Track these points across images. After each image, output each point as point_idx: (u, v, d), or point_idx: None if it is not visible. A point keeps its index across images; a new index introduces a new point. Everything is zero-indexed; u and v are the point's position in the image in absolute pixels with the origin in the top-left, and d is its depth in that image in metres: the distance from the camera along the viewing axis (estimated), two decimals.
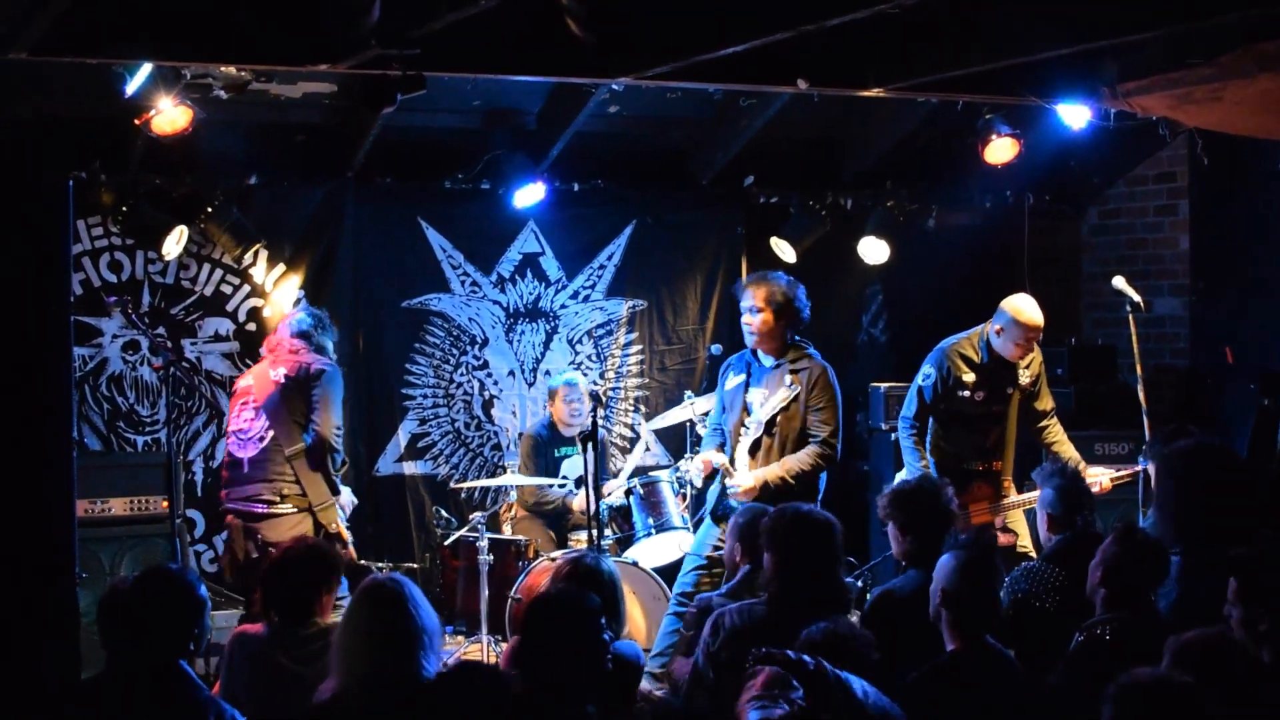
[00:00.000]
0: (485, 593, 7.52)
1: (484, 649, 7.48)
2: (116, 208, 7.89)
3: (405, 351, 8.83)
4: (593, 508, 6.81)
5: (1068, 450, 7.26)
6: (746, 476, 6.71)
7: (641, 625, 7.41)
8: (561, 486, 8.39)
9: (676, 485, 8.06)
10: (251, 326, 8.41)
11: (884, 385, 9.04)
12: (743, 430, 6.88)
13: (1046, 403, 7.41)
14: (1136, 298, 7.64)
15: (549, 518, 8.41)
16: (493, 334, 9.05)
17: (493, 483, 8.49)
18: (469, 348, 9.00)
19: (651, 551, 7.86)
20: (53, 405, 4.55)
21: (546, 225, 9.08)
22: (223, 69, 6.81)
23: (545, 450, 8.48)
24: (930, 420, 7.28)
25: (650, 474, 8.32)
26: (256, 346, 8.35)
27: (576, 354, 9.23)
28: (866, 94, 7.15)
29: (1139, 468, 7.08)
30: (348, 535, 7.08)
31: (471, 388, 9.03)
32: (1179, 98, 6.70)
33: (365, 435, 8.64)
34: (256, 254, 8.29)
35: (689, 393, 8.66)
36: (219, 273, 8.33)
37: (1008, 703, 4.43)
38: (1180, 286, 9.57)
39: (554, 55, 6.45)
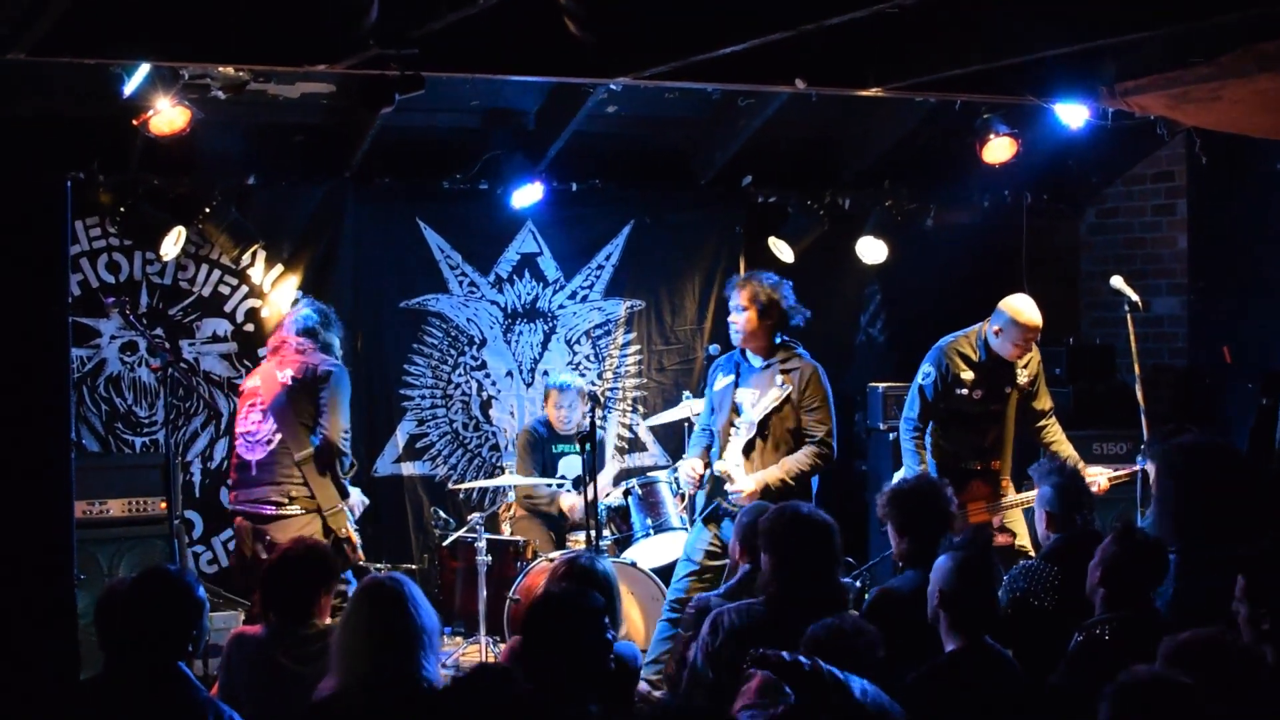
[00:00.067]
0: (483, 593, 7.52)
1: (482, 649, 7.48)
2: (114, 208, 7.88)
3: (403, 352, 8.82)
4: (588, 508, 6.81)
5: (1066, 449, 7.27)
6: (747, 480, 6.72)
7: (640, 626, 7.41)
8: (559, 485, 8.40)
9: (675, 486, 8.06)
10: (250, 327, 8.41)
11: (882, 385, 9.04)
12: (732, 430, 6.90)
13: (1045, 402, 7.41)
14: (1135, 297, 7.64)
15: (548, 518, 8.41)
16: (491, 334, 9.05)
17: (491, 483, 8.48)
18: (467, 348, 8.99)
19: (650, 552, 7.86)
20: (51, 406, 4.56)
21: (545, 225, 9.07)
22: (221, 69, 6.80)
23: (542, 447, 8.47)
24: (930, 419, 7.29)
25: (648, 475, 8.32)
26: (255, 347, 8.37)
27: (574, 354, 9.23)
28: (865, 94, 7.16)
29: (1137, 467, 7.08)
30: (357, 539, 7.07)
31: (470, 388, 9.02)
32: (1177, 97, 6.70)
33: (363, 436, 8.62)
34: (255, 254, 8.28)
35: (687, 393, 8.67)
36: (217, 273, 8.32)
37: (1007, 703, 4.43)
38: (1179, 286, 9.56)
39: (552, 55, 6.45)
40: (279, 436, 6.96)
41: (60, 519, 4.54)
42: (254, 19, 5.90)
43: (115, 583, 4.99)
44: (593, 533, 6.89)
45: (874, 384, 9.13)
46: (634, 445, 9.39)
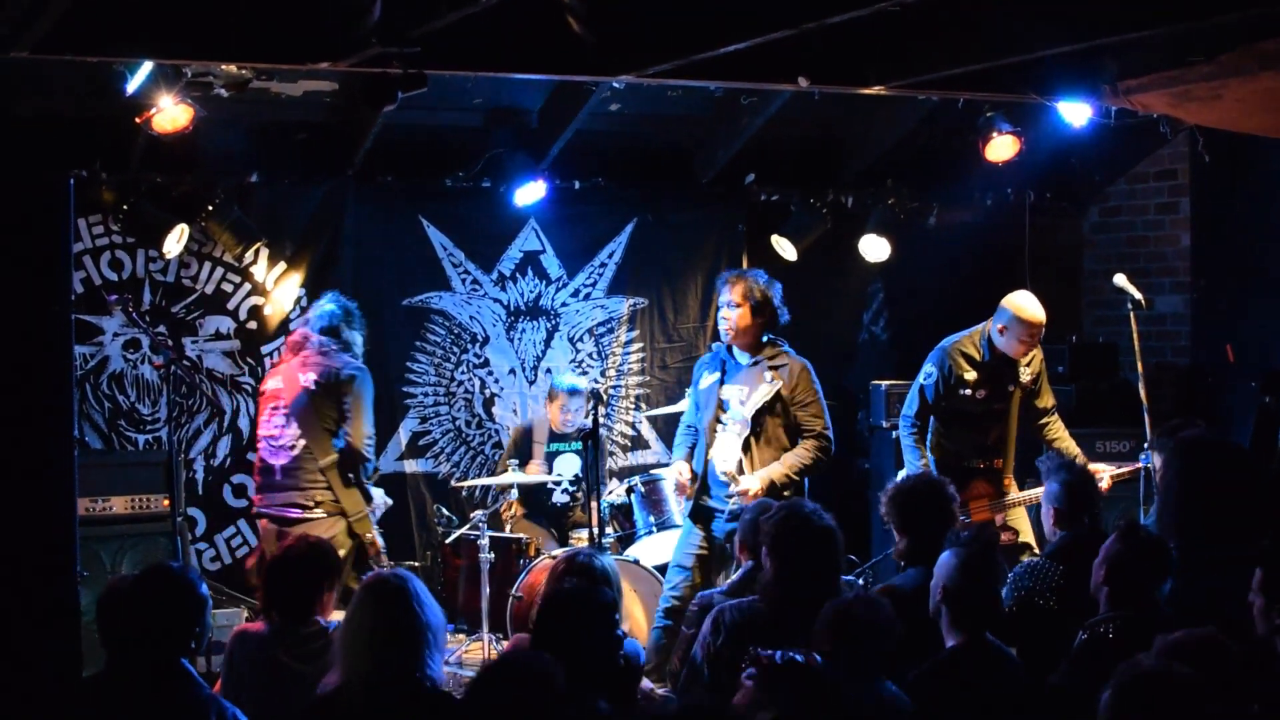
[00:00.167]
0: (486, 591, 7.53)
1: (485, 647, 7.48)
2: (117, 206, 7.89)
3: (406, 350, 8.82)
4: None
5: (1070, 446, 7.27)
6: (752, 479, 6.72)
7: (643, 623, 7.41)
8: (556, 484, 8.41)
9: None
10: (252, 325, 8.41)
11: (885, 383, 9.03)
12: (719, 426, 6.91)
13: (1048, 400, 7.41)
14: (1138, 295, 7.63)
15: (549, 516, 8.42)
16: (493, 332, 9.05)
17: (494, 481, 8.48)
18: (470, 346, 9.00)
19: (653, 549, 7.86)
20: (53, 405, 4.56)
21: (547, 223, 9.07)
22: (224, 67, 6.81)
23: (536, 445, 8.47)
24: (931, 418, 7.29)
25: (651, 472, 8.32)
26: (257, 344, 8.38)
27: (577, 352, 9.23)
28: (867, 92, 7.15)
29: (1140, 465, 7.09)
30: (381, 543, 7.08)
31: (472, 386, 9.03)
32: (1180, 95, 6.69)
33: None
34: (257, 252, 8.29)
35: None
36: (220, 271, 8.33)
37: (1008, 699, 4.44)
38: (1181, 284, 9.56)
39: (555, 53, 6.44)
40: (302, 442, 6.95)
41: (61, 519, 4.55)
42: (256, 17, 5.90)
43: (118, 580, 4.98)
44: (595, 530, 6.88)
45: (877, 382, 9.12)
46: (636, 443, 9.39)
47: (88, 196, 7.83)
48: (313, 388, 6.96)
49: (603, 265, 9.26)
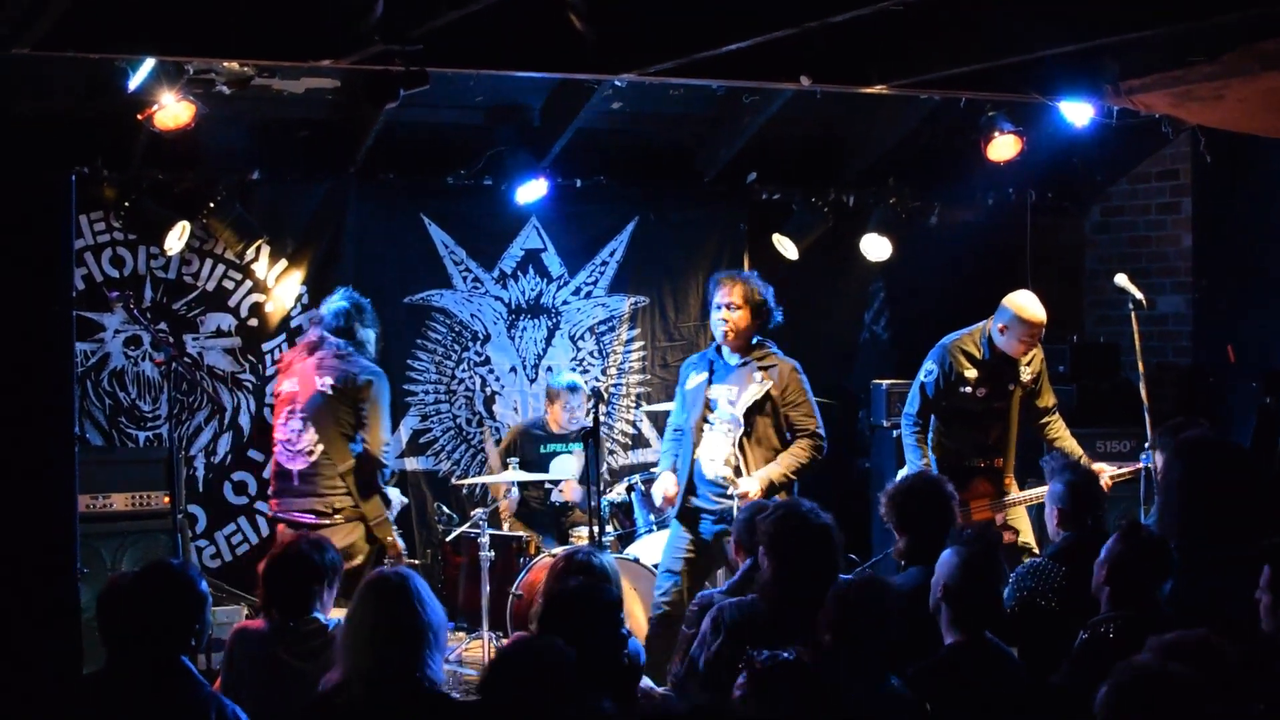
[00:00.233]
0: (486, 589, 7.53)
1: (485, 645, 7.48)
2: (119, 203, 7.88)
3: (407, 347, 8.82)
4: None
5: (1071, 446, 7.28)
6: (751, 481, 6.71)
7: (643, 621, 7.39)
8: (553, 483, 8.41)
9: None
10: (253, 322, 8.41)
11: (886, 382, 9.03)
12: (705, 426, 6.91)
13: (1048, 399, 7.41)
14: (1139, 295, 7.62)
15: (546, 515, 8.42)
16: (495, 330, 9.05)
17: (494, 479, 8.48)
18: (471, 344, 9.00)
19: (653, 548, 7.85)
20: (54, 404, 4.56)
21: (549, 221, 9.07)
22: (226, 64, 6.81)
23: (533, 446, 8.47)
24: (932, 417, 7.29)
25: (651, 470, 8.31)
26: (258, 342, 8.38)
27: (578, 350, 9.23)
28: (869, 91, 7.15)
29: (1141, 465, 7.09)
30: (401, 546, 7.08)
31: (473, 384, 9.03)
32: (1181, 95, 6.69)
33: None
34: (259, 249, 8.29)
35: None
36: (221, 268, 8.33)
37: (1007, 698, 4.44)
38: (1183, 284, 9.56)
39: (557, 51, 6.44)
40: (320, 448, 6.93)
41: (62, 518, 4.55)
42: (259, 14, 5.89)
43: (118, 577, 4.98)
44: (595, 528, 6.88)
45: (878, 381, 9.12)
46: (637, 441, 9.40)
47: (89, 193, 7.82)
48: (329, 392, 6.94)
49: (604, 263, 9.26)
